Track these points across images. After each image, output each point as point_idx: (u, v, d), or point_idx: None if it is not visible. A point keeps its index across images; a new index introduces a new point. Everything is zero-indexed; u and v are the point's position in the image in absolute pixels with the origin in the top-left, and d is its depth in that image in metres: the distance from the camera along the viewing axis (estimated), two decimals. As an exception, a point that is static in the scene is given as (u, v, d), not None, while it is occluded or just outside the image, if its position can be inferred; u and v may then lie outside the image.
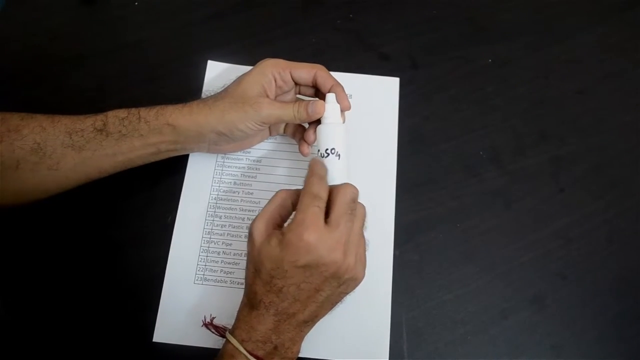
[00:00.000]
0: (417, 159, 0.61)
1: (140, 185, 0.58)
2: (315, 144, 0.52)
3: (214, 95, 0.53)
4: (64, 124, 0.50)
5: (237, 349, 0.43)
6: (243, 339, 0.44)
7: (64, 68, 0.65)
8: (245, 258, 0.55)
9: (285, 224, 0.46)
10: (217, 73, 0.64)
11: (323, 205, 0.44)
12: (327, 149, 0.49)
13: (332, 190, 0.46)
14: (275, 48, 0.66)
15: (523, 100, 0.65)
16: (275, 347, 0.44)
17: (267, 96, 0.51)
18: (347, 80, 0.63)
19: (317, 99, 0.53)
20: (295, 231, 0.42)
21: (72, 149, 0.49)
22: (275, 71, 0.51)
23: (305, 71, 0.52)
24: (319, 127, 0.51)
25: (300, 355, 0.49)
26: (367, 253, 0.55)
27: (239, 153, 0.60)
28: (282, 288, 0.43)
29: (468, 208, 0.59)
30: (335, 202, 0.45)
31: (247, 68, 0.63)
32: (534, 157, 0.62)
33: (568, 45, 0.68)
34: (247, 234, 0.55)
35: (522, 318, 0.55)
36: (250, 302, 0.45)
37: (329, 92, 0.51)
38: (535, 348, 0.54)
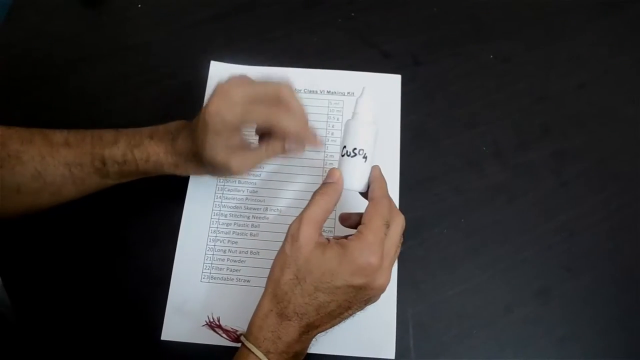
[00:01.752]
0: (420, 156, 0.61)
1: (145, 186, 0.58)
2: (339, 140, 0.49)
3: (190, 143, 0.50)
4: (63, 155, 0.49)
5: None
6: (269, 351, 0.42)
7: (67, 71, 0.65)
8: (252, 256, 0.56)
9: (328, 233, 0.47)
10: (220, 73, 0.64)
11: (387, 231, 0.43)
12: (355, 149, 0.45)
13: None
14: (277, 48, 0.67)
15: (525, 95, 0.65)
16: (295, 355, 0.43)
17: (234, 149, 0.49)
18: (349, 78, 0.65)
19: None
20: (364, 252, 0.41)
21: (72, 180, 0.50)
22: (227, 129, 0.47)
23: (260, 122, 0.49)
24: (349, 122, 0.46)
25: (307, 351, 0.50)
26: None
27: (243, 152, 0.60)
28: (323, 302, 0.42)
29: (472, 203, 0.59)
30: (392, 231, 0.43)
31: (250, 68, 0.65)
32: (536, 152, 0.62)
33: (569, 41, 0.69)
34: (252, 232, 0.57)
35: (527, 312, 0.55)
36: (282, 312, 0.42)
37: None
38: (541, 341, 0.54)
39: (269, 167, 0.60)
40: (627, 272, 0.57)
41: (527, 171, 0.61)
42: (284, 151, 0.49)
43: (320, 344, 0.51)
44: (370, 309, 0.52)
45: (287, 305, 0.42)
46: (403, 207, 0.58)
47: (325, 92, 0.64)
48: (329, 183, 0.44)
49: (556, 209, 0.59)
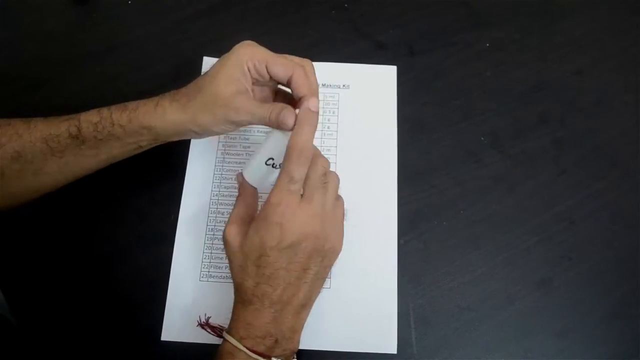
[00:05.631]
0: (418, 147, 0.61)
1: (142, 185, 0.58)
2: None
3: (189, 88, 0.49)
4: (40, 130, 0.48)
5: (236, 347, 0.43)
6: (242, 337, 0.43)
7: (60, 70, 0.64)
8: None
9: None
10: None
11: (299, 186, 0.44)
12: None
13: None
14: (270, 41, 0.65)
15: (522, 83, 0.64)
16: (276, 341, 0.44)
17: (243, 91, 0.47)
18: (344, 70, 0.64)
19: (288, 106, 0.47)
20: (271, 215, 0.43)
21: (52, 154, 0.49)
22: (251, 63, 0.48)
23: (282, 69, 0.48)
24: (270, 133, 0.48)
25: (308, 347, 0.50)
26: (371, 242, 0.55)
27: (238, 148, 0.60)
28: (271, 275, 0.43)
29: (471, 194, 0.59)
30: (308, 177, 0.45)
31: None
32: (535, 140, 0.61)
33: (565, 27, 0.68)
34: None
35: (529, 302, 0.54)
36: (243, 298, 0.45)
37: (299, 102, 0.47)
38: (543, 331, 0.54)
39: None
40: (629, 259, 0.57)
41: (526, 160, 0.60)
42: (277, 122, 0.46)
43: (320, 340, 0.51)
44: (370, 303, 0.52)
45: (245, 291, 0.44)
46: (401, 199, 0.58)
47: (320, 85, 0.62)
48: (240, 184, 0.49)
49: (556, 198, 0.59)
